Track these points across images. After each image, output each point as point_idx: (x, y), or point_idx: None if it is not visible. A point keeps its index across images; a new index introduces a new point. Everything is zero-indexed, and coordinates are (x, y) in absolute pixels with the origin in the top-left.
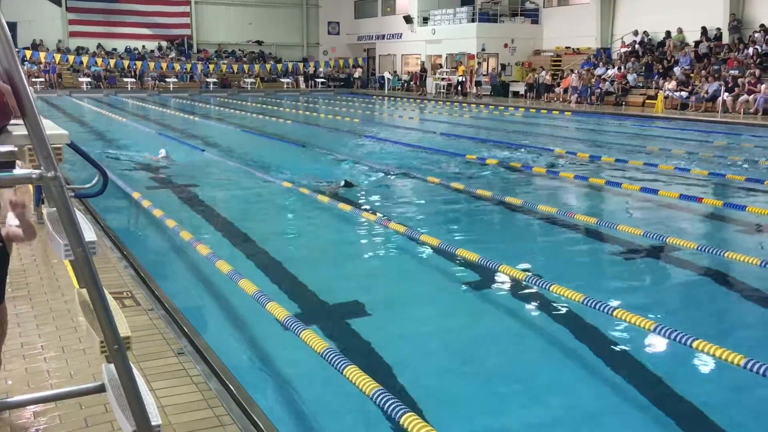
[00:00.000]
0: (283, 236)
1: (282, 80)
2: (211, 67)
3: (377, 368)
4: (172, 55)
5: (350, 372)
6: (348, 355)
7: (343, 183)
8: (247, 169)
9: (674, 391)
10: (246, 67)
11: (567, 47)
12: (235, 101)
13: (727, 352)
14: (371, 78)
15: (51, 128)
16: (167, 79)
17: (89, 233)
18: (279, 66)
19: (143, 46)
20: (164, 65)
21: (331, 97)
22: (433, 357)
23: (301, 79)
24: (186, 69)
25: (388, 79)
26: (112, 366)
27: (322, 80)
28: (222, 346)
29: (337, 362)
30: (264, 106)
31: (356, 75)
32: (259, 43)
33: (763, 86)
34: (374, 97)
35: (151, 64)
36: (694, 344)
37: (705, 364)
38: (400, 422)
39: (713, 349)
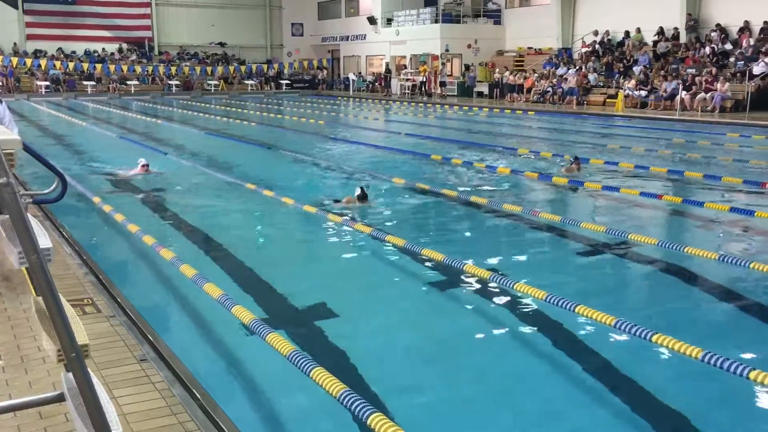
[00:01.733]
0: (247, 239)
1: (246, 82)
2: (174, 69)
3: (345, 370)
4: (133, 57)
5: (317, 374)
6: (315, 357)
7: (358, 192)
8: (212, 172)
9: (637, 384)
10: (209, 69)
11: (529, 47)
12: (198, 104)
13: (686, 346)
14: (336, 79)
15: (2, 133)
16: (128, 82)
17: (44, 240)
18: (243, 68)
19: (103, 49)
20: (125, 68)
21: (296, 98)
22: (401, 357)
23: (265, 81)
24: (147, 71)
25: (353, 80)
26: (70, 374)
27: (287, 82)
28: (186, 352)
29: (303, 365)
30: (228, 108)
31: (321, 76)
32: (222, 44)
33: (720, 84)
34: (339, 98)
35: (112, 67)
36: (654, 338)
37: (665, 357)
38: (368, 423)
39: (672, 342)
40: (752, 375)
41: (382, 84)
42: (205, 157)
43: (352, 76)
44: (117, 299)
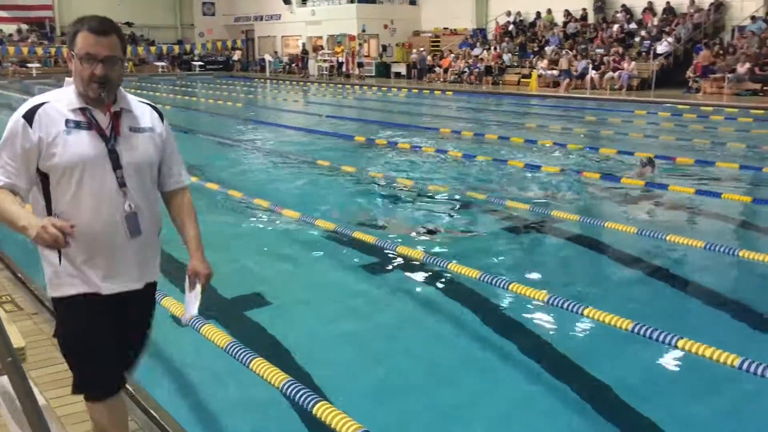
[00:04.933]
0: (171, 229)
1: (157, 64)
2: None
3: (284, 359)
4: (33, 38)
5: (257, 365)
6: (253, 348)
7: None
8: None
9: (571, 360)
10: None
11: (445, 28)
12: None
13: (616, 318)
14: (251, 60)
15: None
16: (29, 65)
17: None
18: (152, 49)
19: (0, 30)
20: (25, 50)
21: (210, 80)
22: (339, 342)
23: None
24: (50, 53)
25: (269, 61)
26: (4, 378)
27: (200, 63)
28: None
29: (242, 356)
30: (139, 91)
31: (235, 57)
32: (129, 24)
33: (626, 64)
34: (256, 80)
35: (11, 49)
36: (585, 312)
37: (594, 330)
38: (313, 411)
39: (602, 315)
40: (680, 343)
41: (300, 65)
42: None
43: (268, 57)
44: (37, 295)
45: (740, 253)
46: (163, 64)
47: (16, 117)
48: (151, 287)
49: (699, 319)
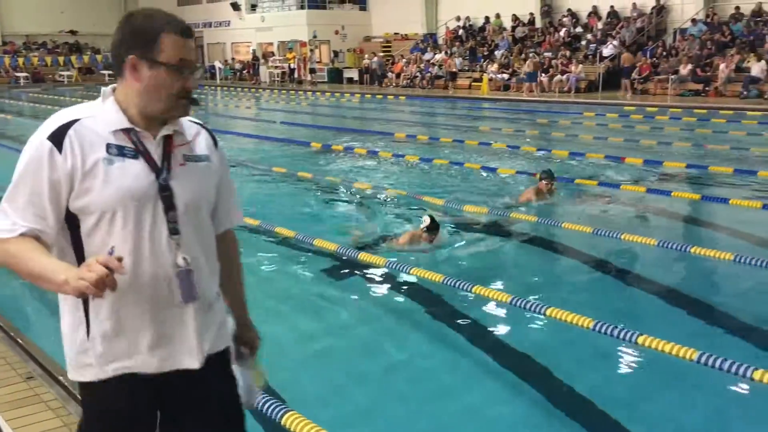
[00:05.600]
0: None
1: (103, 72)
2: (21, 60)
3: None
4: None
5: None
6: None
7: (427, 222)
8: None
9: (531, 358)
10: (61, 59)
11: (396, 33)
12: (51, 97)
13: (575, 316)
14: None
15: None
16: None
17: None
18: (99, 57)
19: None
20: None
21: None
22: (291, 347)
23: None
24: None
25: (220, 68)
26: None
27: None
28: None
29: None
30: (85, 100)
31: None
32: (74, 32)
33: (574, 66)
34: (206, 87)
35: None
36: (547, 311)
37: (555, 328)
38: (282, 422)
39: (563, 314)
40: (640, 340)
41: (251, 72)
42: None
43: (218, 65)
44: None
45: (691, 250)
46: (109, 72)
47: (39, 139)
48: (218, 358)
49: (654, 315)
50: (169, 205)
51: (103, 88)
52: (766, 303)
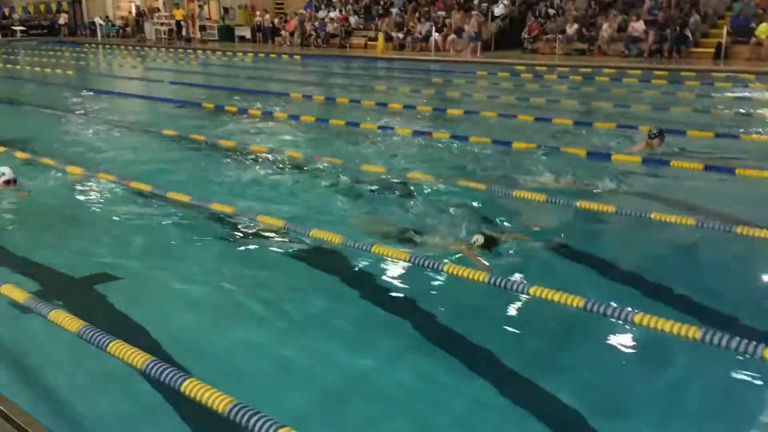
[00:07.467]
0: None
1: None
2: None
3: (143, 339)
4: None
5: (116, 347)
6: (109, 330)
7: (481, 241)
8: None
9: (437, 320)
10: None
11: None
12: None
13: (476, 272)
14: (80, 24)
15: None
16: None
17: None
18: None
19: None
20: None
21: (35, 47)
22: (199, 315)
23: None
24: None
25: (101, 25)
26: None
27: (21, 28)
28: None
29: (98, 340)
30: None
31: (61, 21)
32: None
33: (467, 26)
34: (86, 45)
35: None
36: (444, 268)
37: (453, 284)
38: (182, 389)
39: (459, 270)
40: (531, 291)
41: (135, 29)
42: None
43: (99, 21)
44: None
45: (577, 204)
46: None
47: None
48: None
49: (542, 267)
50: None
51: None
52: (649, 252)
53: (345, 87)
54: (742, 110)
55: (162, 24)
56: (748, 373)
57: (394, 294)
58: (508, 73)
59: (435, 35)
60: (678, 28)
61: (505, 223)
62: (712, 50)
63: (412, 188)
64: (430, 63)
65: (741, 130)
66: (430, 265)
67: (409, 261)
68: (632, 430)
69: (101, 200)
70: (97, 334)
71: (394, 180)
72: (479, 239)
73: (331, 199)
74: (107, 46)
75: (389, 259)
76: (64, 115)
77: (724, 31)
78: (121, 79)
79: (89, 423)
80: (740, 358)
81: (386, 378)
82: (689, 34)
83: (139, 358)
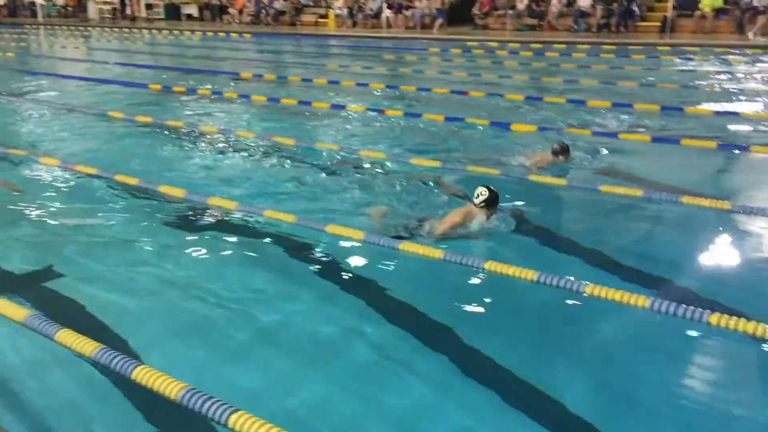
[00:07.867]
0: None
1: None
2: None
3: (92, 327)
4: None
5: (64, 336)
6: (56, 319)
7: (485, 195)
8: None
9: (391, 296)
10: None
11: None
12: None
13: (430, 249)
14: (19, 5)
15: None
16: None
17: None
18: None
19: None
20: None
21: None
22: (147, 299)
23: None
24: None
25: (41, 5)
26: None
27: None
28: None
29: (45, 329)
30: None
31: (0, 2)
32: None
33: (419, 2)
34: (27, 26)
35: None
36: (400, 247)
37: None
38: (132, 377)
39: (414, 247)
40: (487, 265)
41: (77, 8)
42: None
43: (39, 1)
44: None
45: (529, 177)
46: None
47: None
48: None
49: (497, 242)
50: None
51: None
52: (599, 224)
53: (296, 65)
54: (687, 83)
55: (105, 3)
56: (693, 337)
57: (347, 273)
58: (460, 49)
59: (386, 12)
60: (625, 2)
61: (459, 200)
62: (658, 24)
63: (365, 166)
64: (382, 40)
65: (685, 103)
66: (384, 244)
67: (365, 240)
68: (564, 383)
69: (44, 184)
70: (44, 323)
71: (347, 158)
72: (483, 192)
73: (284, 178)
74: (49, 27)
75: (343, 237)
76: (5, 99)
77: (670, 4)
78: (63, 61)
79: (38, 412)
80: (686, 324)
81: (343, 357)
82: (636, 8)
83: (87, 346)
